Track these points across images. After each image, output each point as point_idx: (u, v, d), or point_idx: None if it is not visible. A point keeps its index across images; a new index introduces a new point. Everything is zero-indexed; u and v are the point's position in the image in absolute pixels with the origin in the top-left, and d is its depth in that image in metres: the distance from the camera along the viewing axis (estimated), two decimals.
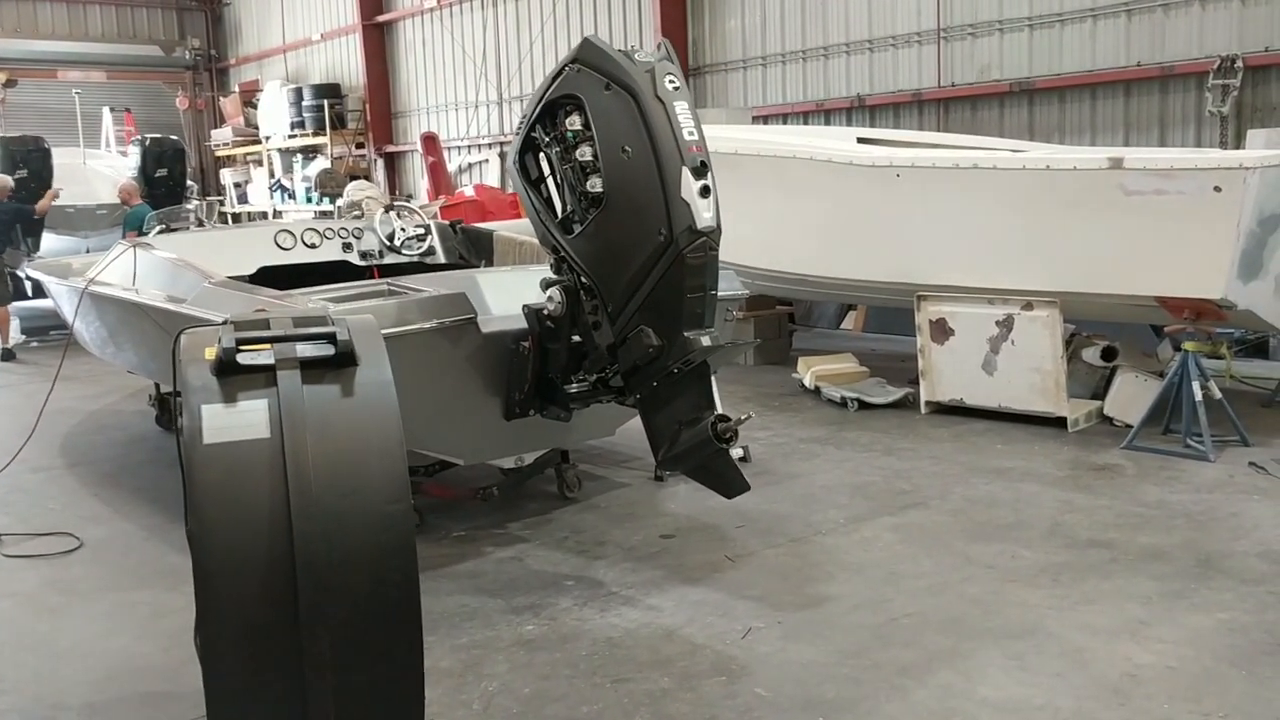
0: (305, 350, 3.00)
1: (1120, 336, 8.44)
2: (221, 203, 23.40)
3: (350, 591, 2.80)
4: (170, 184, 14.52)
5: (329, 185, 19.89)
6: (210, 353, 2.95)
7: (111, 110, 20.37)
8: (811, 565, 5.29)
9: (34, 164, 13.70)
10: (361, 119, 22.06)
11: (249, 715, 2.79)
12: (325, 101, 21.52)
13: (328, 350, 2.99)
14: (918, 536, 5.63)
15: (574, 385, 5.41)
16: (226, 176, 24.84)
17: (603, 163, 4.70)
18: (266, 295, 5.48)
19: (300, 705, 2.78)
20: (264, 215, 22.69)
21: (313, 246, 7.80)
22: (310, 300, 5.26)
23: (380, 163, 21.99)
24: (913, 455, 7.19)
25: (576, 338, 5.20)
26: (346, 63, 22.72)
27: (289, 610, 2.74)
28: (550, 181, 5.01)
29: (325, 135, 21.58)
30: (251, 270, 7.43)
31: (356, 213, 12.63)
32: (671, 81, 4.69)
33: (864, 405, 8.56)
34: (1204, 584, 4.87)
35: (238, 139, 24.27)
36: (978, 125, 12.28)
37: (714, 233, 4.69)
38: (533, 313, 5.26)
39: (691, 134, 4.66)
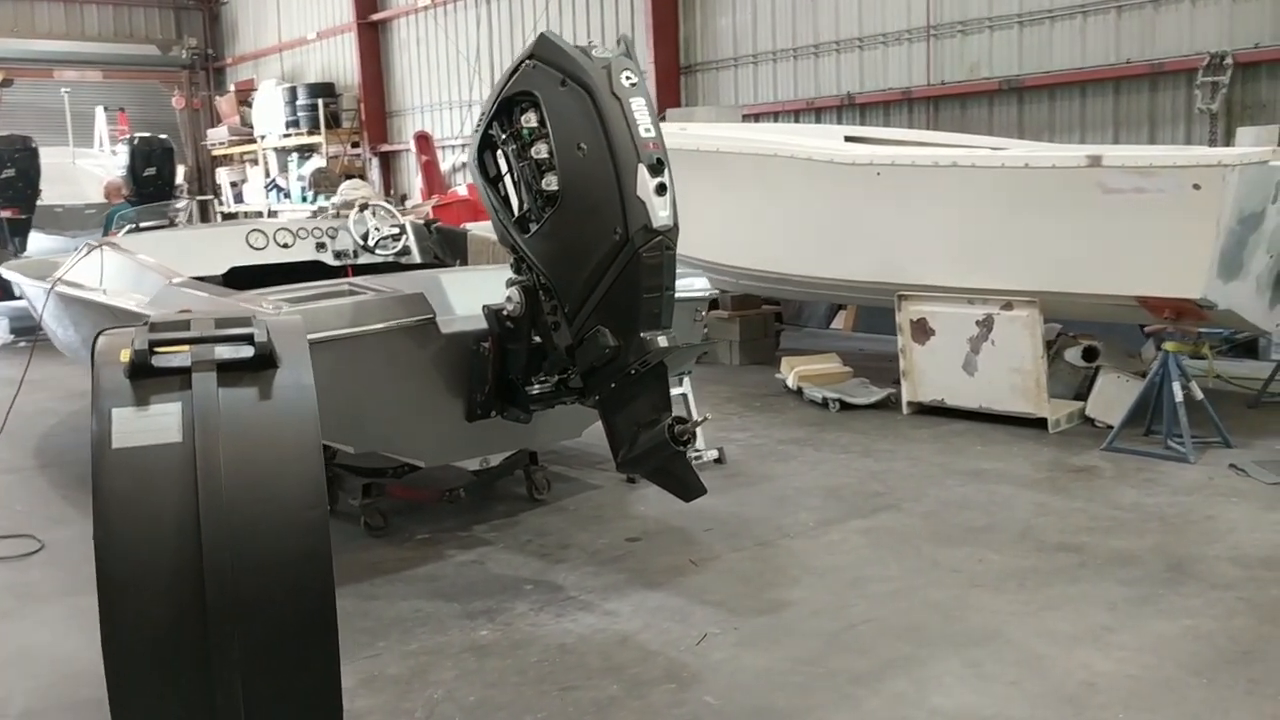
0: (223, 352, 2.92)
1: (1106, 336, 8.35)
2: (215, 202, 23.35)
3: (263, 600, 2.72)
4: (159, 183, 14.40)
5: (324, 184, 19.83)
6: (125, 355, 2.87)
7: (105, 110, 20.31)
8: (775, 569, 5.21)
9: (21, 163, 13.64)
10: (356, 118, 21.99)
11: None
12: (320, 100, 21.45)
13: (246, 352, 2.91)
14: (886, 540, 5.55)
15: (535, 387, 5.33)
16: (222, 176, 24.79)
17: (558, 160, 4.62)
18: (222, 295, 5.41)
19: (210, 717, 2.70)
20: (259, 214, 22.62)
21: (285, 246, 7.72)
22: (266, 300, 5.19)
23: (375, 162, 21.92)
24: (890, 456, 7.11)
25: (537, 338, 5.12)
26: (342, 62, 22.65)
27: (198, 620, 2.66)
28: (508, 179, 4.93)
29: (320, 134, 21.51)
30: (222, 270, 7.36)
31: (348, 212, 12.57)
32: (629, 78, 4.61)
33: (846, 406, 8.48)
34: (1172, 589, 4.78)
35: (233, 138, 24.20)
36: (968, 123, 12.18)
37: (670, 231, 4.60)
38: (492, 313, 5.19)
39: (648, 130, 4.57)
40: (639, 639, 4.47)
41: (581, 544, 5.65)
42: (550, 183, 4.66)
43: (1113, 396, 7.61)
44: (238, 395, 2.87)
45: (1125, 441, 7.03)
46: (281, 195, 22.70)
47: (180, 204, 15.88)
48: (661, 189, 4.54)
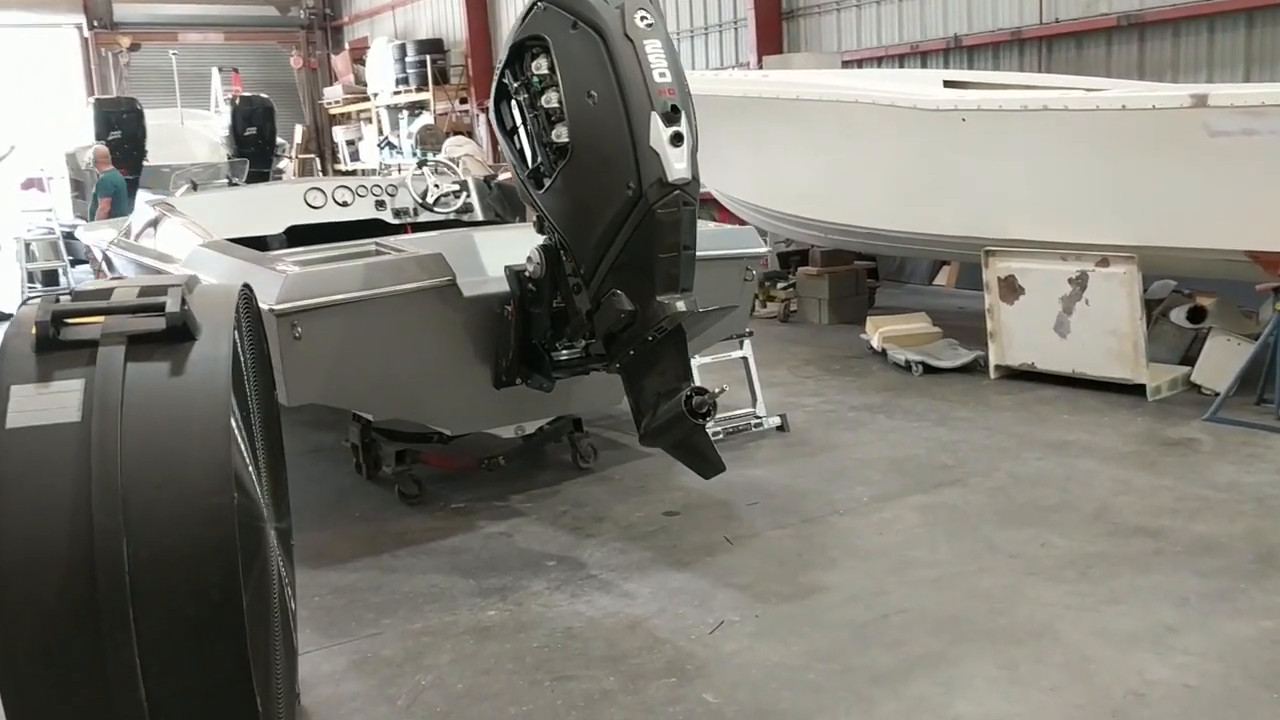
0: (138, 324, 2.69)
1: (1224, 294, 7.61)
2: (316, 161, 23.53)
3: (160, 593, 2.50)
4: (260, 142, 14.63)
5: (430, 141, 19.84)
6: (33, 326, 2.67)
7: (220, 70, 20.67)
8: (815, 550, 4.83)
9: (128, 126, 13.93)
10: (464, 74, 21.91)
11: None
12: (428, 57, 21.44)
13: (158, 324, 2.68)
14: (943, 519, 5.11)
15: (563, 353, 5.04)
16: (339, 134, 25.09)
17: (567, 110, 4.29)
18: (242, 255, 5.25)
19: (110, 716, 2.51)
20: (373, 171, 22.82)
21: (344, 205, 7.57)
22: (281, 261, 5.01)
23: (482, 119, 21.82)
24: (966, 426, 6.61)
25: (559, 302, 4.82)
26: (450, 18, 22.58)
27: (89, 614, 2.46)
28: (522, 131, 4.61)
29: (428, 91, 21.51)
30: (280, 229, 7.26)
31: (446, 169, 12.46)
32: (644, 18, 4.24)
33: (929, 369, 7.96)
34: (1257, 584, 4.25)
35: (347, 96, 24.45)
36: (1083, 65, 11.32)
37: (688, 185, 4.23)
38: (514, 274, 4.91)
39: (663, 75, 4.20)
40: (650, 625, 4.17)
41: (617, 517, 5.36)
42: (560, 134, 4.34)
43: (1221, 361, 6.93)
44: (146, 370, 2.63)
45: (1231, 411, 6.39)
46: (394, 152, 22.85)
47: (282, 165, 16.13)
48: (677, 139, 4.18)
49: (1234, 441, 6.02)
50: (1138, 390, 6.95)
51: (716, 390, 4.32)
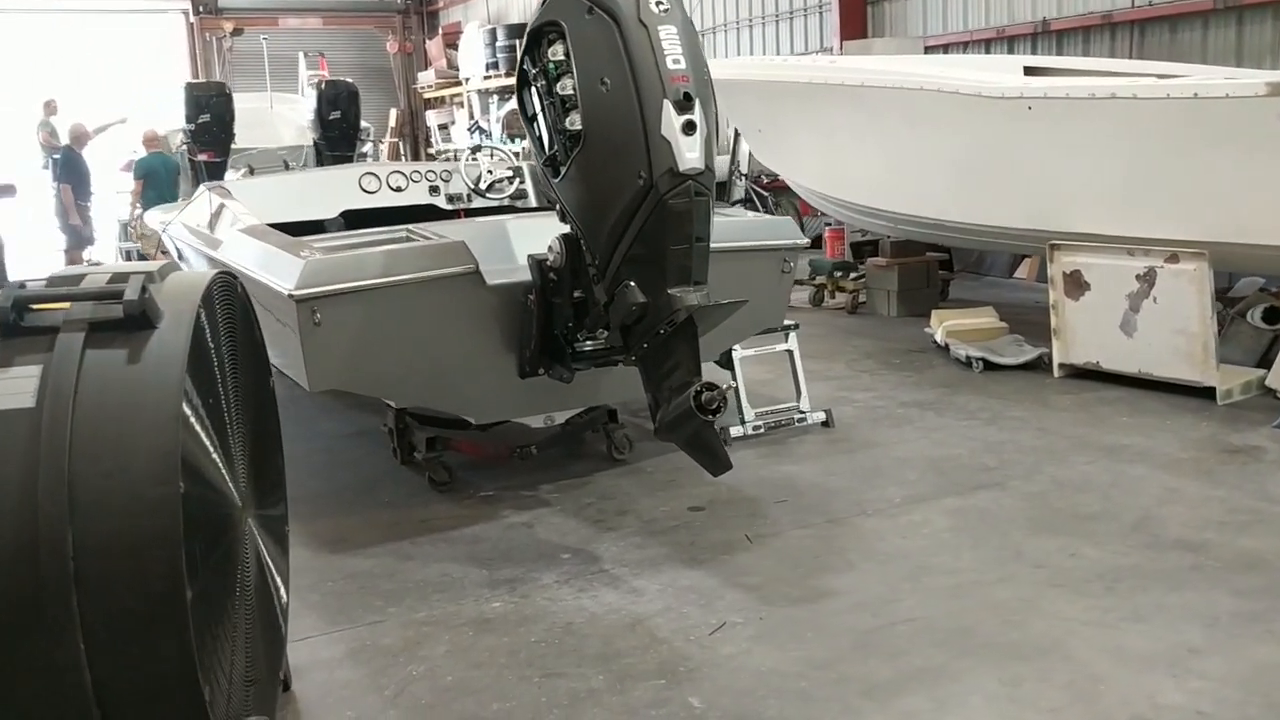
0: (99, 312, 2.71)
1: None
2: (402, 145, 23.76)
3: (106, 582, 2.51)
4: (344, 126, 14.75)
5: (515, 127, 19.93)
6: None
7: (306, 55, 21.04)
8: (834, 551, 4.70)
9: (216, 109, 14.17)
10: None
11: None
12: (516, 42, 21.49)
13: (115, 312, 2.69)
14: (973, 523, 4.93)
15: (588, 344, 4.98)
16: (431, 119, 25.39)
17: (580, 97, 4.21)
18: (274, 239, 5.29)
19: (57, 710, 2.53)
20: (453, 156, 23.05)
21: (398, 190, 7.62)
22: (308, 247, 5.03)
23: None
24: (1018, 426, 6.38)
25: (580, 292, 4.76)
26: None
27: (34, 602, 2.48)
28: (540, 119, 4.55)
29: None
30: (333, 214, 7.33)
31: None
32: (659, 3, 4.14)
33: (990, 366, 7.71)
34: None
35: (440, 81, 24.71)
36: (1177, 50, 10.83)
37: (701, 175, 4.13)
38: (535, 264, 4.86)
39: (677, 62, 4.10)
40: (651, 623, 4.10)
41: (641, 511, 5.29)
42: (574, 121, 4.27)
43: None
44: (103, 358, 2.64)
45: None
46: (484, 136, 23.02)
47: (365, 149, 16.32)
48: (689, 127, 4.07)
49: None
50: (1207, 393, 6.62)
51: (726, 386, 4.20)
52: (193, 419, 2.75)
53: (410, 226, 5.57)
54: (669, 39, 4.10)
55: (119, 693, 2.57)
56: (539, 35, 4.43)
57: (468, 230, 5.36)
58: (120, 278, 2.79)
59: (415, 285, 4.84)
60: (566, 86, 4.29)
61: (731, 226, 5.66)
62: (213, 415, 2.96)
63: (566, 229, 4.67)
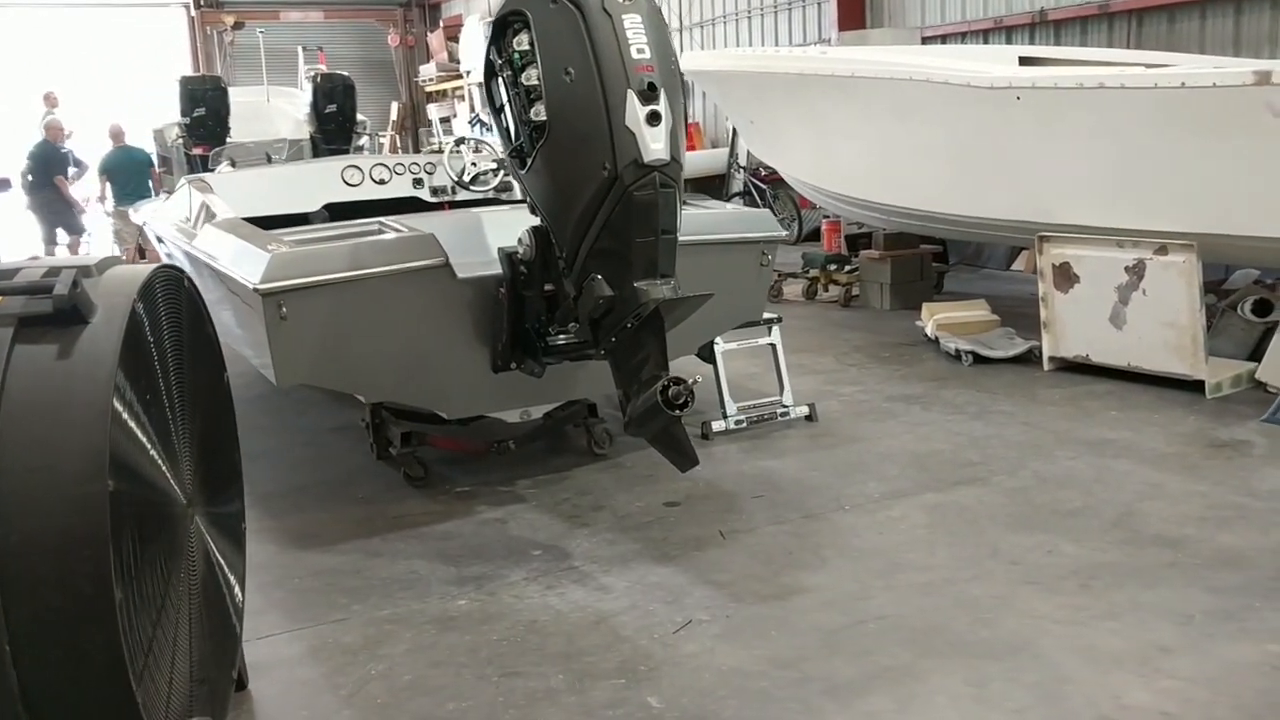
0: (30, 307, 2.65)
1: None
2: (394, 138, 23.69)
3: (31, 582, 2.46)
4: (340, 119, 14.70)
5: None
6: None
7: (304, 49, 20.94)
8: (808, 548, 4.63)
9: (212, 103, 14.15)
10: None
11: None
12: None
13: (45, 306, 2.63)
14: (951, 520, 4.86)
15: (560, 338, 4.92)
16: (433, 112, 25.32)
17: (544, 87, 4.15)
18: (244, 234, 5.23)
19: None
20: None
21: (381, 183, 7.55)
22: (280, 240, 4.97)
23: None
24: (1005, 420, 6.30)
25: (550, 286, 4.70)
26: None
27: None
28: (508, 110, 4.49)
29: None
30: (315, 207, 7.27)
31: None
32: None
33: (980, 359, 7.63)
34: (1273, 603, 3.91)
35: (441, 74, 24.64)
36: (1175, 40, 10.73)
37: (667, 166, 4.07)
38: (505, 256, 4.80)
39: (641, 52, 4.04)
40: (616, 621, 4.03)
41: (616, 506, 5.23)
42: (539, 112, 4.21)
43: None
44: (32, 353, 2.59)
45: None
46: (485, 130, 22.94)
47: (363, 142, 16.25)
48: (654, 118, 4.01)
49: None
50: (1197, 387, 6.53)
51: (692, 380, 4.14)
52: (126, 415, 2.69)
53: (384, 219, 5.51)
54: (633, 28, 4.03)
55: (46, 694, 2.52)
56: (504, 25, 4.37)
57: (439, 223, 5.29)
58: (54, 272, 2.74)
59: (383, 279, 4.79)
60: (531, 77, 4.23)
61: (709, 219, 5.61)
62: (151, 411, 2.89)
63: (538, 221, 4.61)
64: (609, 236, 4.14)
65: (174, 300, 3.14)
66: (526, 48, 4.24)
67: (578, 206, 4.17)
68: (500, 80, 4.47)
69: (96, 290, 2.75)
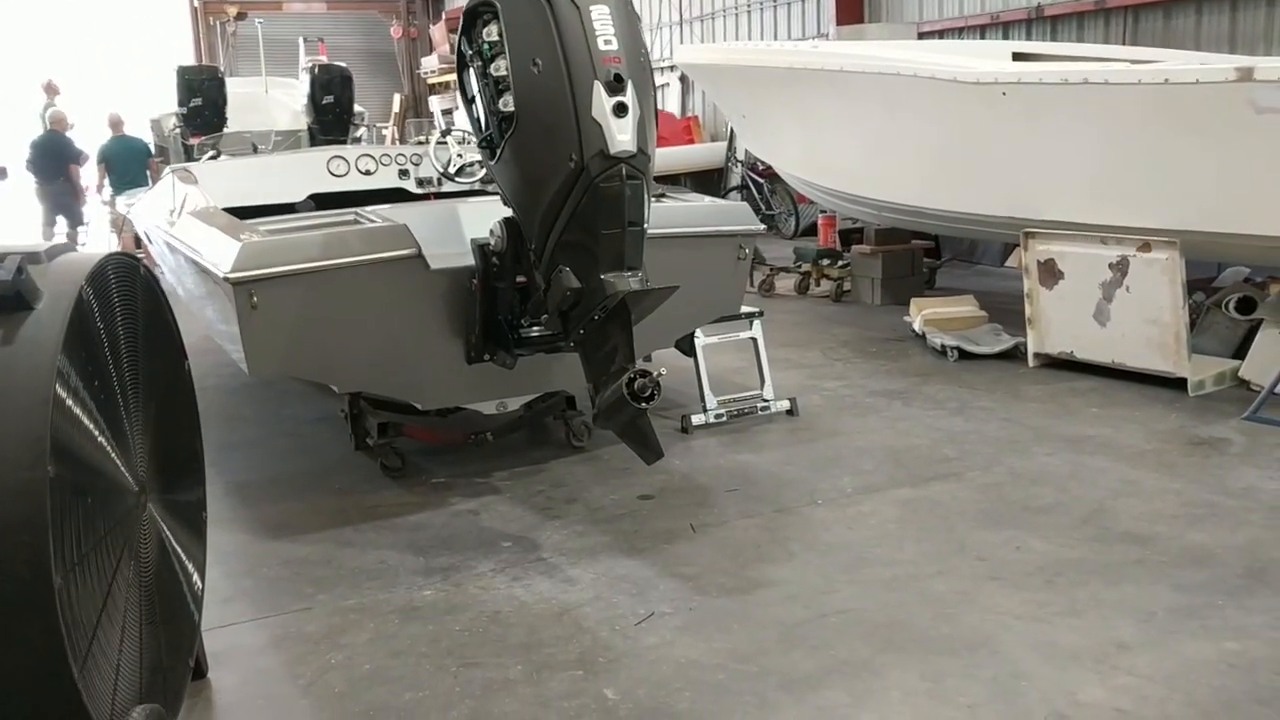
0: None
1: None
2: (429, 129, 23.73)
3: None
4: (337, 110, 14.68)
5: None
6: None
7: (305, 40, 20.96)
8: (776, 542, 4.63)
9: (208, 93, 14.14)
10: None
11: None
12: None
13: None
14: (922, 515, 4.85)
15: (533, 329, 4.91)
16: (435, 103, 25.33)
17: (512, 78, 4.14)
18: (219, 223, 5.22)
19: None
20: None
21: (367, 173, 7.54)
22: (253, 229, 4.97)
23: None
24: (985, 416, 6.29)
25: (522, 277, 4.70)
26: None
27: None
28: (478, 101, 4.48)
29: None
30: (300, 197, 7.27)
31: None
32: None
33: (965, 355, 7.61)
34: (1236, 600, 3.91)
35: (443, 66, 24.63)
36: (1171, 36, 10.70)
37: (634, 158, 4.05)
38: (478, 248, 4.79)
39: (609, 43, 4.03)
40: (579, 613, 4.03)
41: (590, 499, 5.23)
42: (507, 103, 4.20)
43: (1273, 356, 6.44)
44: None
45: (1275, 411, 5.94)
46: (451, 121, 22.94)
47: (360, 133, 16.25)
48: (620, 109, 4.00)
49: (1269, 444, 5.59)
50: (1180, 384, 6.52)
51: (658, 373, 4.13)
52: (71, 401, 2.69)
53: (360, 209, 5.50)
54: (601, 20, 4.02)
55: None
56: (474, 15, 4.36)
57: (415, 213, 5.28)
58: (3, 258, 2.74)
59: (355, 269, 4.78)
60: (500, 68, 4.22)
61: (686, 212, 5.60)
62: (100, 397, 2.90)
63: (509, 212, 4.61)
64: (576, 228, 4.13)
65: (128, 287, 3.14)
66: (496, 38, 4.23)
67: (545, 198, 4.16)
68: (471, 71, 4.46)
69: (44, 277, 2.75)
